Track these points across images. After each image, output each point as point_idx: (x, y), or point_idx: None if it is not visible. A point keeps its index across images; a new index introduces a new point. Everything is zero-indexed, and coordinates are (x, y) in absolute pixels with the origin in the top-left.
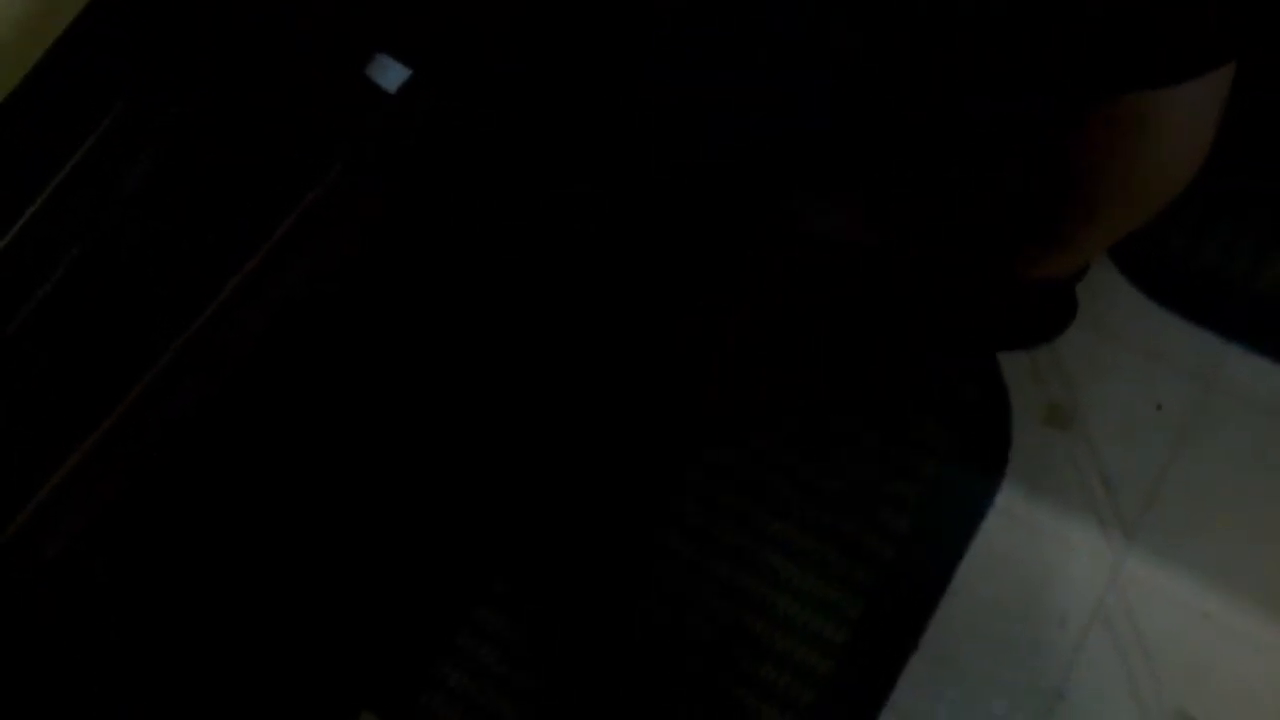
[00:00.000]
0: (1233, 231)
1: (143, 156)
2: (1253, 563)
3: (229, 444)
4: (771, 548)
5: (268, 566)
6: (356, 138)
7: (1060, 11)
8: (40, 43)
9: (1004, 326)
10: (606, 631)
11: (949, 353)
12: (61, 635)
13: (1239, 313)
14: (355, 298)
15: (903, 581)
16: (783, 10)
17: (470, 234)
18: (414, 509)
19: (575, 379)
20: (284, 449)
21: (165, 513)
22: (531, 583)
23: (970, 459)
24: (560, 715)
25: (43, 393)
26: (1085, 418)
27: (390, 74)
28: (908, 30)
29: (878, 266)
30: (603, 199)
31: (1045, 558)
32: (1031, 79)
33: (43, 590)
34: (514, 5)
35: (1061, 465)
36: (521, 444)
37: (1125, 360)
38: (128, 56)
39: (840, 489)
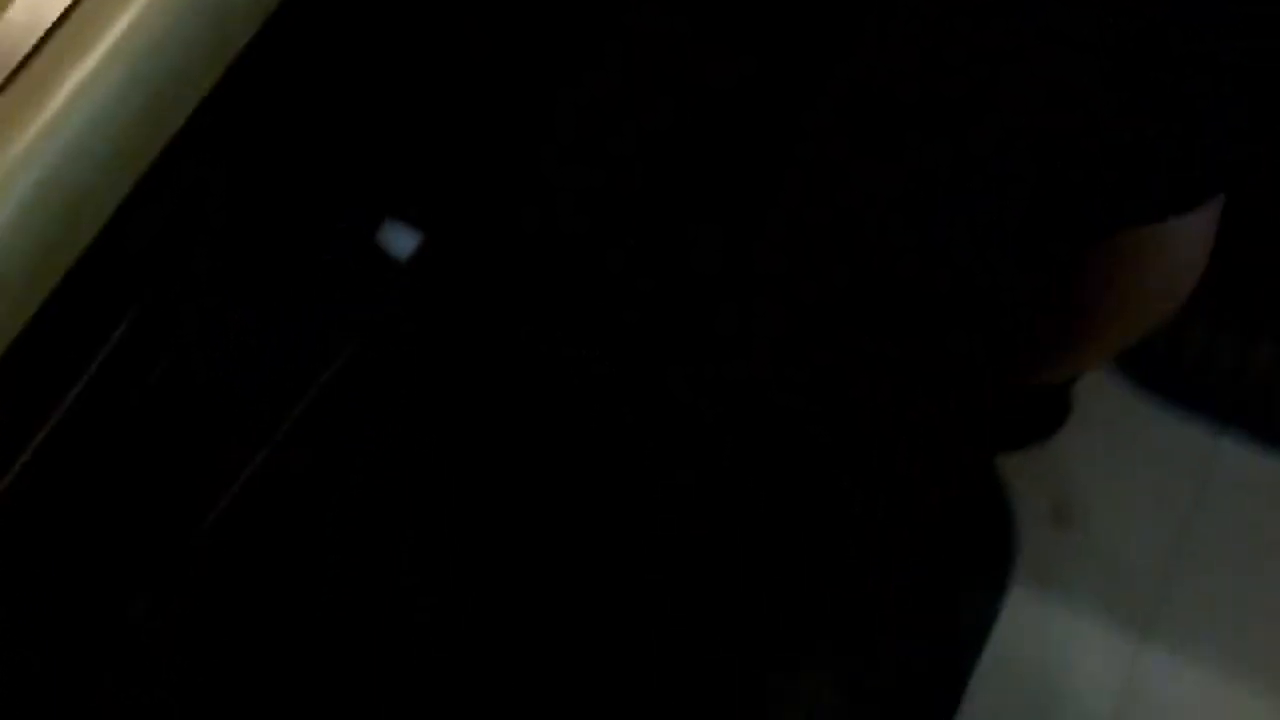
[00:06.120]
0: (1215, 324)
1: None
2: (1269, 655)
3: None
4: None
5: None
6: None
7: (1063, 158)
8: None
9: (999, 430)
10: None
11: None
12: None
13: (1230, 401)
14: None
15: (913, 697)
16: None
17: None
18: None
19: None
20: None
21: None
22: None
23: (976, 567)
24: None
25: None
26: (1086, 515)
27: (401, 241)
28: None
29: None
30: None
31: (1056, 665)
32: (1036, 225)
33: None
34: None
35: (1067, 566)
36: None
37: (1122, 454)
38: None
39: None
